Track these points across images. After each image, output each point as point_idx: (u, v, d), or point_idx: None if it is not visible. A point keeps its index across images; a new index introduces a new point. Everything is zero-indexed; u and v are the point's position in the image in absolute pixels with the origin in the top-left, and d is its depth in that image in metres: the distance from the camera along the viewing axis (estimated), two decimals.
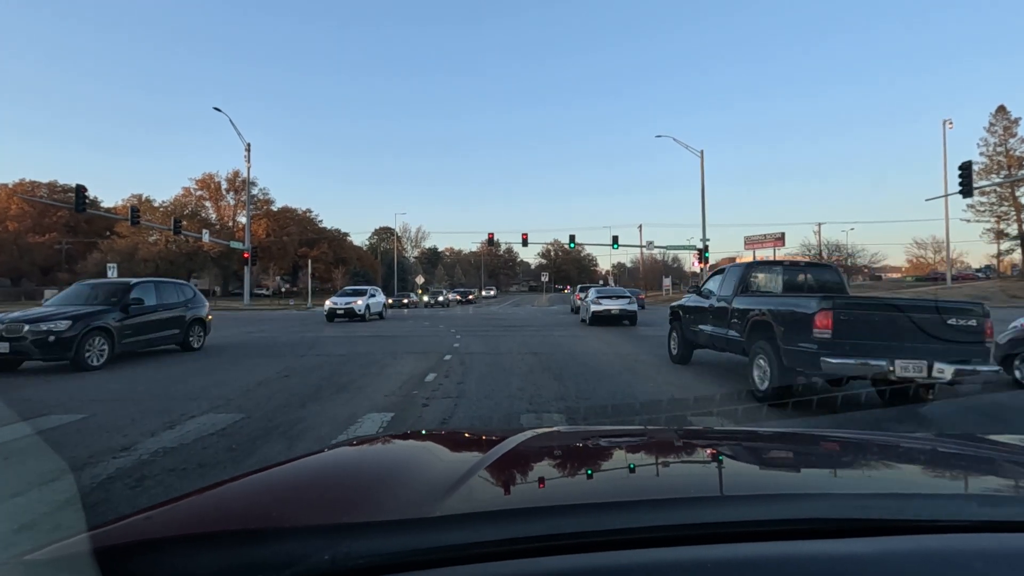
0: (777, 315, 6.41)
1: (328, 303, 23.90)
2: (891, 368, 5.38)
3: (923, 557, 0.66)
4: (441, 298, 51.67)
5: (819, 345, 5.57)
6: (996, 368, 6.02)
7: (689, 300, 9.72)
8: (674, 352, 9.79)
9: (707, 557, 0.65)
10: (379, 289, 27.99)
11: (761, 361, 6.48)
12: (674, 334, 9.81)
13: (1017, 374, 7.51)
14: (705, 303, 8.75)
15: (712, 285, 8.93)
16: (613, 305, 18.84)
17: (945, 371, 5.36)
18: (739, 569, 0.64)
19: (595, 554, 0.65)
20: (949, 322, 5.62)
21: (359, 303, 23.30)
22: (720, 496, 0.92)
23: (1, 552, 0.76)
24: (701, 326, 8.71)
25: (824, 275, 8.39)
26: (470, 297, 61.56)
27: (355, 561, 0.64)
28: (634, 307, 18.97)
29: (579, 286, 36.19)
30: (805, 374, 5.90)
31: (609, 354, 10.78)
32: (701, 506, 0.81)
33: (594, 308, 18.95)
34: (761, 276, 8.30)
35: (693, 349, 9.42)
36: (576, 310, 26.88)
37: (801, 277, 8.24)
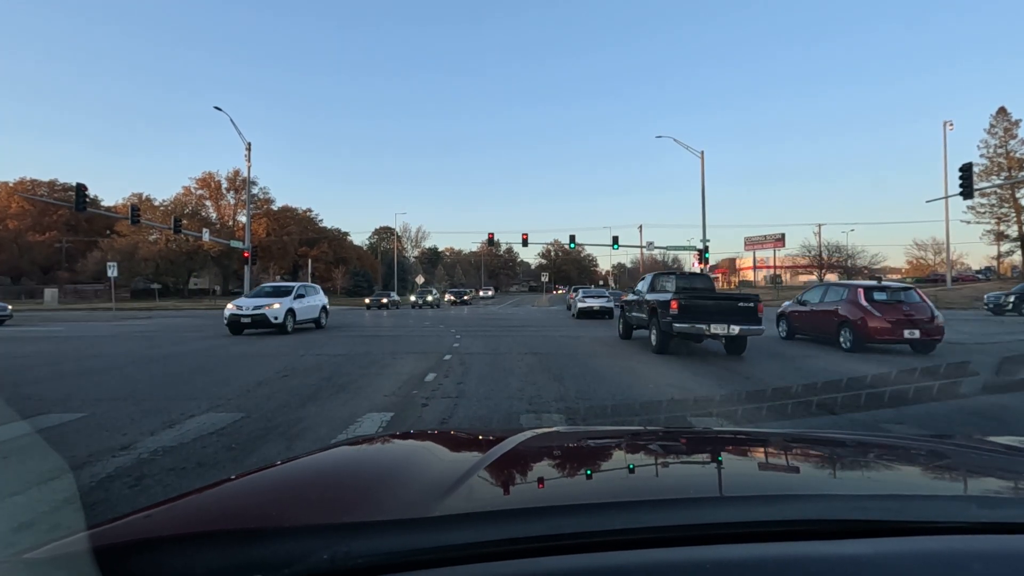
0: (658, 302, 11.04)
1: (229, 308, 16.03)
2: (707, 328, 10.15)
3: (922, 559, 0.66)
4: (431, 298, 44.43)
5: (672, 317, 10.36)
6: (762, 327, 10.53)
7: (629, 296, 14.59)
8: (620, 332, 14.35)
9: (706, 558, 0.65)
10: (316, 287, 19.81)
11: (654, 329, 11.17)
12: (621, 320, 14.62)
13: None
14: (635, 298, 13.40)
15: (640, 286, 13.73)
16: (595, 303, 25.58)
17: (735, 329, 10.15)
18: (738, 570, 0.64)
19: (595, 554, 0.65)
20: (739, 305, 10.54)
21: (276, 307, 15.61)
22: (719, 497, 0.92)
23: (0, 551, 0.76)
24: (632, 313, 13.39)
25: (703, 282, 13.43)
26: (465, 298, 56.24)
27: (354, 561, 0.64)
28: (611, 304, 24.53)
29: (571, 287, 49.55)
30: (668, 334, 10.60)
31: (609, 355, 10.79)
32: (700, 507, 0.81)
33: (580, 305, 25.67)
34: (662, 281, 13.02)
35: (632, 329, 13.81)
36: (570, 307, 32.80)
37: (686, 282, 12.71)
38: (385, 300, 39.34)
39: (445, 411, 5.82)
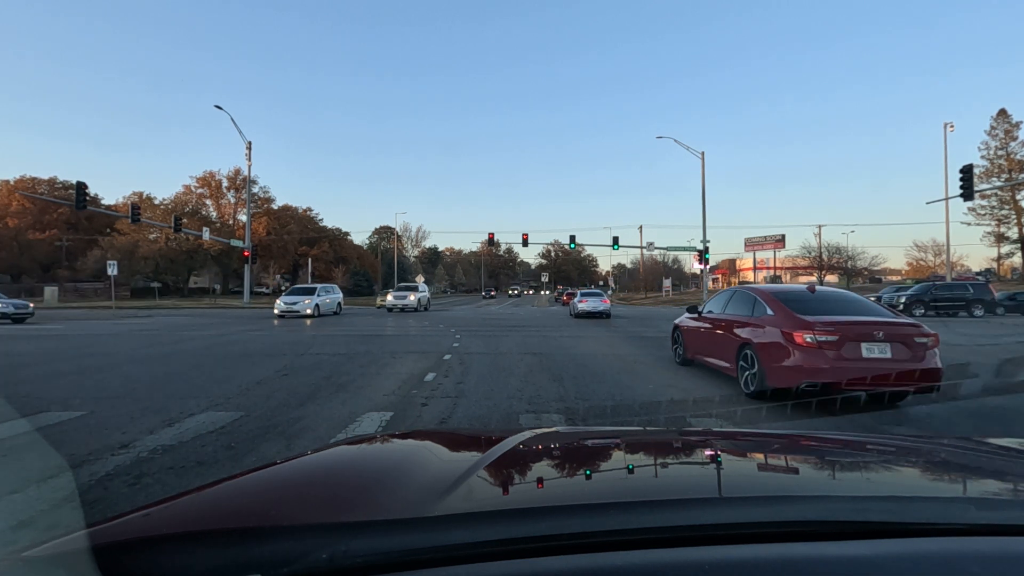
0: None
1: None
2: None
3: (920, 560, 0.66)
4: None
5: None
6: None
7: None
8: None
9: (705, 559, 0.65)
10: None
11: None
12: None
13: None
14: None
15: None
16: (590, 303, 30.04)
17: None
18: (737, 571, 0.64)
19: (594, 555, 0.65)
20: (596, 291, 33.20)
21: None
22: (718, 498, 0.92)
23: None
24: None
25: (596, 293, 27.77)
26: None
27: (353, 560, 0.64)
28: (604, 306, 28.46)
29: (566, 289, 60.00)
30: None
31: (608, 355, 10.79)
32: (700, 507, 0.81)
33: (580, 306, 29.17)
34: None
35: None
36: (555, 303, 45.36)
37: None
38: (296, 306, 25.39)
39: (445, 411, 5.82)
